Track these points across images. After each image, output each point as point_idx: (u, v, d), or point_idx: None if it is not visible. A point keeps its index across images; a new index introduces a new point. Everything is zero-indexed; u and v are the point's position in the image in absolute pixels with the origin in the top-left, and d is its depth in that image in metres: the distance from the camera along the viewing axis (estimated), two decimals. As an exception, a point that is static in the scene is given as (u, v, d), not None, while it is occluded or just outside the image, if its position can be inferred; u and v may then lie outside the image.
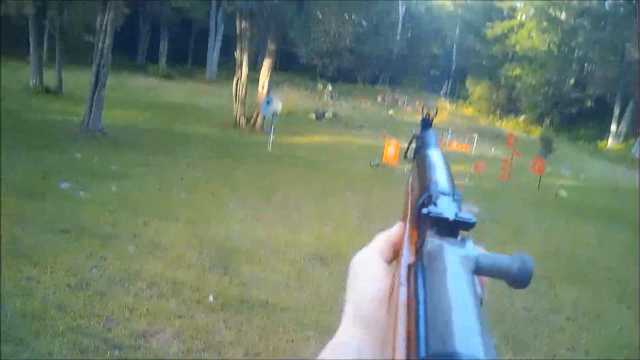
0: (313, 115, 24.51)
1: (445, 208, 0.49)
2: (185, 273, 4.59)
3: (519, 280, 0.45)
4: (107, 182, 7.31)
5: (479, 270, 0.46)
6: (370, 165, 12.87)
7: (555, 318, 4.83)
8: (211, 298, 4.17)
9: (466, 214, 0.47)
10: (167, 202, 6.81)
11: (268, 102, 14.13)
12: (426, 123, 0.67)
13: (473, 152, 15.68)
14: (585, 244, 8.04)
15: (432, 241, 0.45)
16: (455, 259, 0.41)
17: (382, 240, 0.46)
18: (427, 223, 0.47)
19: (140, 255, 4.84)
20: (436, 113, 0.69)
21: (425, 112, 0.68)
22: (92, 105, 10.76)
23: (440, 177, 0.53)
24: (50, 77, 19.12)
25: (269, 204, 7.44)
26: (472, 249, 0.45)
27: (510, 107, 37.25)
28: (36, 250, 4.55)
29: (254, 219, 6.63)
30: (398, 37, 44.85)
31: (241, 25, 17.14)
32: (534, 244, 7.40)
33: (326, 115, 25.12)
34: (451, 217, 0.45)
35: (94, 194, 6.67)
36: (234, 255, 5.20)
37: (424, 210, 0.46)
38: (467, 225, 0.47)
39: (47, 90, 18.49)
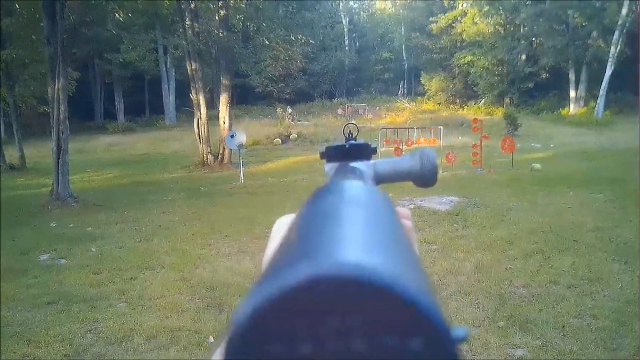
0: (278, 140, 24.65)
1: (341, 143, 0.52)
2: (181, 319, 4.56)
3: (425, 176, 0.48)
4: (86, 245, 7.24)
5: (380, 177, 0.49)
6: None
7: (556, 289, 4.87)
8: (211, 339, 4.15)
9: (361, 141, 0.50)
10: (150, 252, 6.76)
11: (232, 136, 14.16)
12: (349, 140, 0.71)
13: (442, 144, 15.83)
14: (570, 210, 8.16)
15: (327, 164, 0.48)
16: (348, 169, 0.43)
17: None
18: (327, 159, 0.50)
19: (132, 310, 4.80)
20: (358, 131, 0.73)
21: (346, 131, 0.72)
22: (58, 173, 10.67)
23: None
24: (11, 154, 18.94)
25: (251, 235, 7.43)
26: (370, 162, 0.48)
27: (469, 94, 37.84)
28: (27, 327, 4.48)
29: (239, 252, 6.62)
30: (347, 49, 45.41)
31: (191, 66, 17.20)
32: (520, 221, 7.50)
33: (291, 137, 25.29)
34: (346, 143, 0.49)
35: (74, 259, 6.60)
36: (225, 291, 5.18)
37: (321, 148, 0.49)
38: (364, 149, 0.50)
39: (11, 167, 18.32)
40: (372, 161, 0.50)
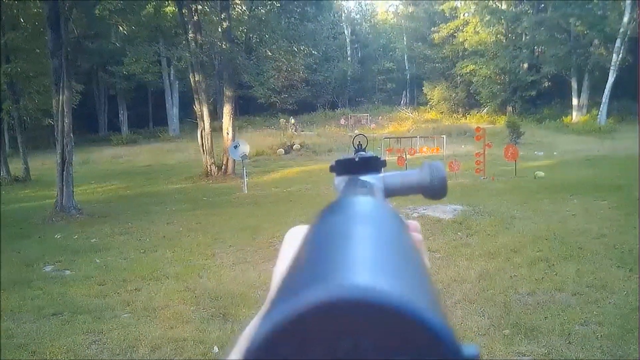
0: (282, 151, 24.70)
1: (351, 156, 0.53)
2: (185, 329, 4.55)
3: (435, 189, 0.48)
4: (90, 256, 7.25)
5: (390, 191, 0.49)
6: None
7: (561, 296, 4.85)
8: (216, 349, 4.15)
9: (370, 153, 0.51)
10: (154, 263, 6.77)
11: (235, 147, 14.20)
12: (358, 151, 0.71)
13: (444, 153, 15.86)
14: (574, 218, 8.14)
15: (337, 178, 0.48)
16: (358, 183, 0.44)
17: None
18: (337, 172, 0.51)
19: (137, 321, 4.80)
20: (367, 142, 0.73)
21: (356, 142, 0.72)
22: (62, 185, 10.71)
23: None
24: (15, 166, 19.04)
25: (255, 244, 7.43)
26: (380, 176, 0.49)
27: (471, 103, 37.89)
28: (32, 339, 4.49)
29: (243, 262, 6.62)
30: (349, 59, 45.59)
31: (195, 78, 17.30)
32: (524, 229, 7.48)
33: (294, 147, 25.34)
34: (355, 157, 0.50)
35: (79, 271, 6.61)
36: (230, 301, 5.17)
37: (332, 163, 0.50)
38: (373, 162, 0.50)
39: (16, 180, 18.43)
40: (381, 174, 0.51)
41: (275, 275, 0.42)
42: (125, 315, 4.97)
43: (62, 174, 10.71)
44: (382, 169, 0.54)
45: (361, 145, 0.71)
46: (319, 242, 0.25)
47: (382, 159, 0.52)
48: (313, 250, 0.24)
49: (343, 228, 0.26)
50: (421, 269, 0.24)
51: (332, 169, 0.53)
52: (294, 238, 0.45)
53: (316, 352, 0.18)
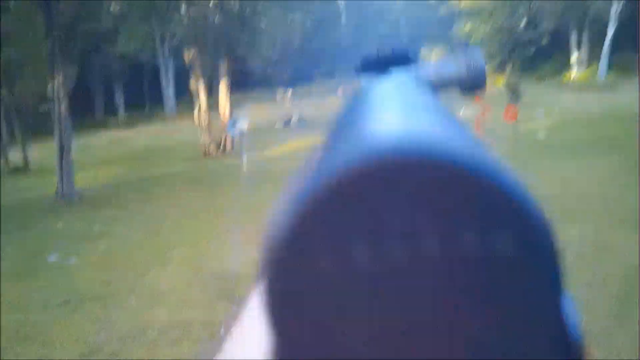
0: (280, 125, 24.57)
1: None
2: (193, 312, 4.59)
3: (473, 80, 0.42)
4: (94, 243, 7.26)
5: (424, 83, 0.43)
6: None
7: (564, 258, 4.86)
8: (223, 330, 4.18)
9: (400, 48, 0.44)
10: (158, 246, 6.78)
11: (233, 123, 14.11)
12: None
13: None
14: (575, 178, 8.12)
15: (365, 77, 0.42)
16: (392, 77, 0.37)
17: None
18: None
19: (144, 306, 4.83)
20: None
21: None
22: (62, 172, 10.68)
23: None
24: (14, 155, 18.99)
25: (258, 223, 7.43)
26: (411, 68, 0.43)
27: (469, 65, 37.56)
28: (41, 329, 4.53)
29: (247, 242, 6.61)
30: (344, 24, 45.09)
31: (189, 54, 17.11)
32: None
33: (292, 121, 25.19)
34: (384, 52, 0.44)
35: (84, 258, 6.62)
36: (236, 282, 5.19)
37: (357, 63, 0.44)
38: (404, 56, 0.44)
39: (16, 169, 18.38)
40: (412, 68, 0.46)
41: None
42: (132, 300, 5.00)
43: (61, 161, 10.67)
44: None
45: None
46: (356, 111, 0.21)
47: (413, 52, 0.46)
48: (349, 118, 0.20)
49: (382, 94, 0.22)
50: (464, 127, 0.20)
51: (357, 69, 0.49)
52: None
53: (360, 227, 0.14)
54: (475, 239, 0.14)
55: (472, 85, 0.44)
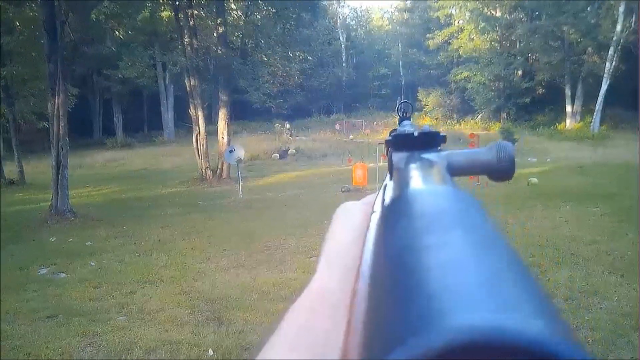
0: (277, 155, 24.75)
1: (408, 127, 0.49)
2: (180, 332, 4.58)
3: (502, 169, 0.45)
4: (85, 259, 7.26)
5: (454, 170, 0.44)
6: (342, 191, 12.99)
7: (553, 302, 4.90)
8: (211, 352, 4.17)
9: (428, 128, 0.48)
10: (149, 266, 6.78)
11: (231, 151, 14.23)
12: (403, 119, 0.70)
13: (439, 160, 15.87)
14: (567, 224, 8.20)
15: (395, 155, 0.45)
16: (423, 163, 0.39)
17: (371, 196, 0.44)
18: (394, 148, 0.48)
19: (132, 324, 4.82)
20: (412, 110, 0.72)
21: (400, 110, 0.71)
22: (57, 188, 10.71)
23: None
24: (10, 169, 19.01)
25: (250, 249, 7.46)
26: (443, 154, 0.45)
27: (465, 109, 38.03)
28: (27, 341, 4.50)
29: (237, 266, 6.64)
30: (344, 65, 45.77)
31: (190, 83, 17.33)
32: (517, 236, 7.53)
33: (289, 152, 25.39)
34: (414, 131, 0.47)
35: (74, 273, 6.61)
36: (225, 304, 5.20)
37: (389, 136, 0.47)
38: (434, 138, 0.47)
39: (11, 183, 18.39)
40: (444, 152, 0.46)
41: (325, 248, 0.38)
42: (120, 318, 4.99)
43: (57, 177, 10.70)
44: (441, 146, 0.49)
45: (406, 113, 0.69)
46: (412, 257, 0.19)
47: (442, 134, 0.47)
48: (408, 272, 0.18)
49: (438, 236, 0.19)
50: (537, 283, 0.18)
51: (388, 144, 0.48)
52: (346, 214, 0.41)
53: None
54: None
55: (501, 174, 0.47)
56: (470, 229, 0.21)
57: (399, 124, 0.66)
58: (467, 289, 0.16)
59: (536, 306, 0.16)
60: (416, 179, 0.34)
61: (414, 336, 0.14)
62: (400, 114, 0.69)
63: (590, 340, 4.03)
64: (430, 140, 0.46)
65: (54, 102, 10.71)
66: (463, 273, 0.16)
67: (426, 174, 0.36)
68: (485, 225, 0.22)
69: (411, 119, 0.67)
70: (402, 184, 0.33)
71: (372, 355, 0.15)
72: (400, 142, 0.46)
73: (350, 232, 0.38)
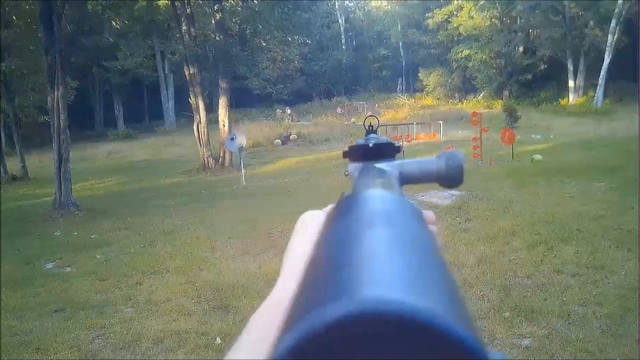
0: (278, 141, 24.68)
1: (365, 140, 0.52)
2: (188, 322, 4.58)
3: (451, 177, 0.48)
4: (91, 252, 7.27)
5: (406, 179, 0.48)
6: (345, 174, 12.91)
7: (560, 278, 4.88)
8: (218, 340, 4.17)
9: (384, 139, 0.50)
10: (154, 257, 6.79)
11: (232, 138, 14.19)
12: (370, 133, 0.71)
13: (442, 139, 15.86)
14: (572, 200, 8.16)
15: (351, 165, 0.48)
16: (374, 173, 0.42)
17: (333, 205, 0.45)
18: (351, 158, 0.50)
19: (139, 315, 4.82)
20: (379, 122, 0.73)
21: (367, 123, 0.72)
22: (60, 182, 10.71)
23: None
24: (13, 164, 19.02)
25: (255, 236, 7.45)
26: (395, 163, 0.48)
27: (467, 88, 37.83)
28: (35, 336, 4.51)
29: (243, 254, 6.64)
30: (343, 48, 45.47)
31: (189, 71, 17.24)
32: (523, 213, 7.50)
33: (291, 138, 25.32)
34: (370, 143, 0.49)
35: (80, 266, 6.63)
36: (231, 293, 5.20)
37: (346, 149, 0.49)
38: (388, 148, 0.49)
39: (14, 178, 18.43)
40: (397, 161, 0.50)
41: (287, 258, 0.41)
42: (127, 309, 5.00)
43: (60, 170, 10.70)
44: (396, 155, 0.53)
45: (372, 127, 0.70)
46: (337, 247, 0.23)
47: (397, 144, 0.50)
48: (331, 257, 0.22)
49: (362, 231, 0.24)
50: (446, 275, 0.22)
51: (345, 155, 0.53)
52: (307, 222, 0.44)
53: None
54: None
55: (450, 181, 0.48)
56: (399, 228, 0.25)
57: (365, 137, 0.67)
58: (383, 271, 0.19)
59: (440, 293, 0.18)
60: (363, 186, 0.36)
61: (332, 301, 0.17)
62: (366, 127, 0.70)
63: (598, 316, 4.02)
64: (385, 151, 0.49)
65: (54, 95, 10.67)
66: (384, 261, 0.20)
67: (374, 182, 0.38)
68: (414, 226, 0.26)
69: (378, 133, 0.68)
70: (351, 191, 0.36)
71: (296, 319, 0.18)
72: (357, 153, 0.50)
73: (309, 241, 0.38)
